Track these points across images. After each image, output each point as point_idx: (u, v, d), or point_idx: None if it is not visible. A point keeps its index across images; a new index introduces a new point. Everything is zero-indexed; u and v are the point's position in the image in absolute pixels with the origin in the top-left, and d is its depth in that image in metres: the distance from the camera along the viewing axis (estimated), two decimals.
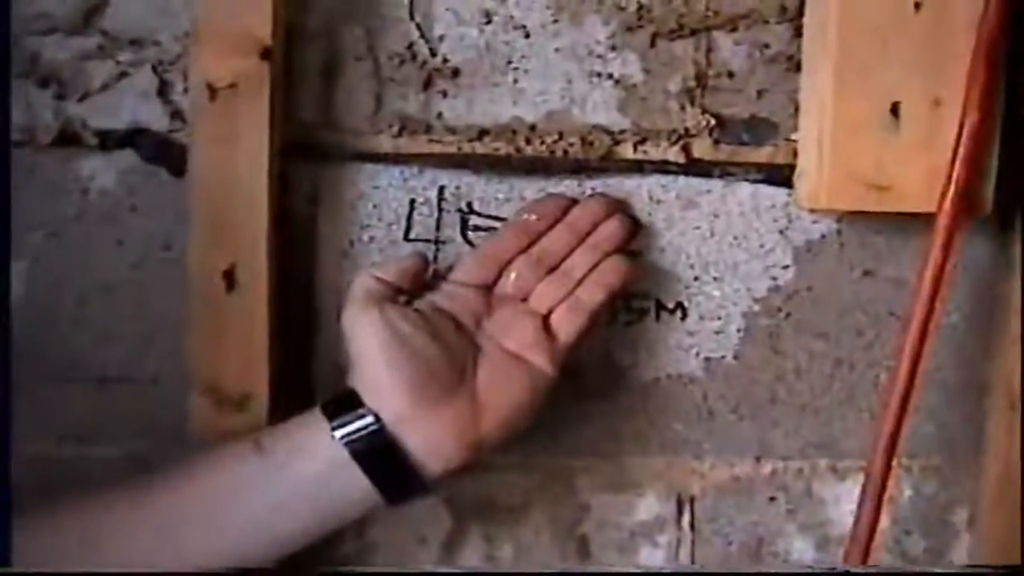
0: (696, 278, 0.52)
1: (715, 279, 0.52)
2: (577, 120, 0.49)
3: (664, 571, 0.46)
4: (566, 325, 0.45)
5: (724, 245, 0.51)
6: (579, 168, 0.49)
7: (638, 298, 0.52)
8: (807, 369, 0.52)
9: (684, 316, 0.52)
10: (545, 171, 0.49)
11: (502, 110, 0.49)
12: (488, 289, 0.46)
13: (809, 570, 0.46)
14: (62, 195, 0.47)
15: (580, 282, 0.45)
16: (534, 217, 0.46)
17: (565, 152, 0.49)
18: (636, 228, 0.49)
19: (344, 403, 0.42)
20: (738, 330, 0.52)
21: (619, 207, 0.48)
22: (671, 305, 0.52)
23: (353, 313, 0.42)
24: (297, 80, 0.48)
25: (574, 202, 0.47)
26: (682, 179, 0.51)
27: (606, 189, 0.50)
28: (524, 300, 0.45)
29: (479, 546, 0.51)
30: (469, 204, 0.50)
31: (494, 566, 0.49)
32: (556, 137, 0.49)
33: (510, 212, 0.49)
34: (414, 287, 0.45)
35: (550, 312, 0.45)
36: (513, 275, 0.45)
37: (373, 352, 0.42)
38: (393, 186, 0.50)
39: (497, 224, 0.50)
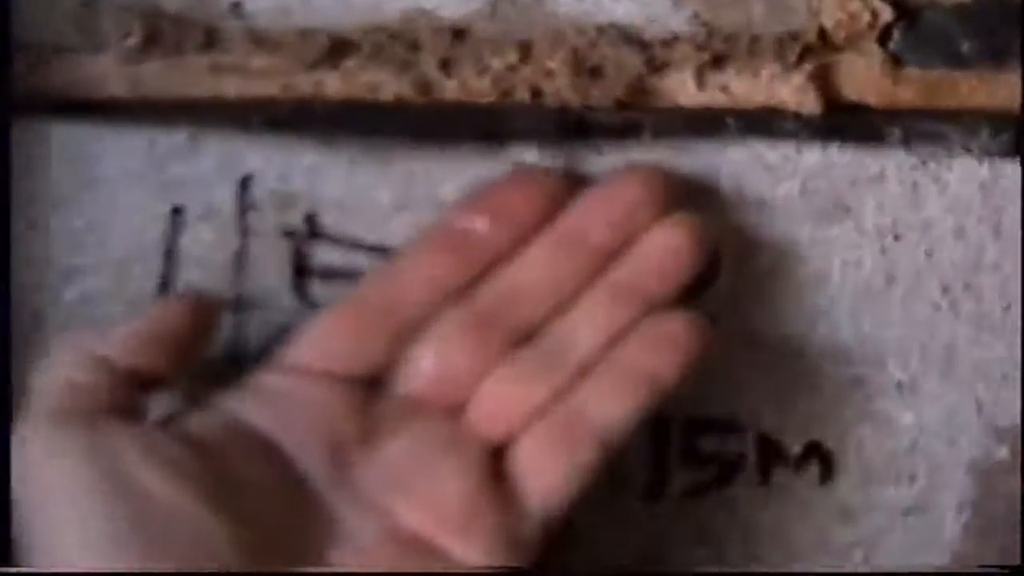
0: (859, 382, 0.44)
1: (901, 388, 0.44)
2: (563, 15, 0.43)
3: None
4: (547, 474, 0.39)
5: (918, 302, 0.44)
6: (571, 129, 0.43)
7: (718, 430, 0.44)
8: None
9: (829, 474, 0.44)
10: (492, 137, 0.43)
11: None
12: (367, 384, 0.40)
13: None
14: None
15: (585, 372, 0.40)
16: (481, 221, 0.40)
17: (536, 93, 0.42)
18: (712, 251, 0.42)
19: None
20: (960, 507, 0.45)
21: (675, 196, 0.41)
22: (797, 448, 0.44)
23: (34, 438, 0.37)
24: None
25: (575, 183, 0.41)
26: (816, 150, 0.43)
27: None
28: (455, 409, 0.40)
29: None
30: (311, 218, 0.43)
31: None
32: (516, 57, 0.42)
33: (409, 233, 0.43)
34: (179, 374, 0.40)
35: (509, 439, 0.39)
36: (431, 354, 0.40)
37: (77, 529, 0.36)
38: (132, 175, 0.43)
39: (378, 260, 0.43)
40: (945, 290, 0.44)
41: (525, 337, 0.40)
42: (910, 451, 0.44)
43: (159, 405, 0.40)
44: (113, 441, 0.37)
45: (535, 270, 0.40)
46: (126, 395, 0.38)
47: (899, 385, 0.44)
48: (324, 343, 0.40)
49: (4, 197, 0.41)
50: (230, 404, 0.39)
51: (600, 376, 0.40)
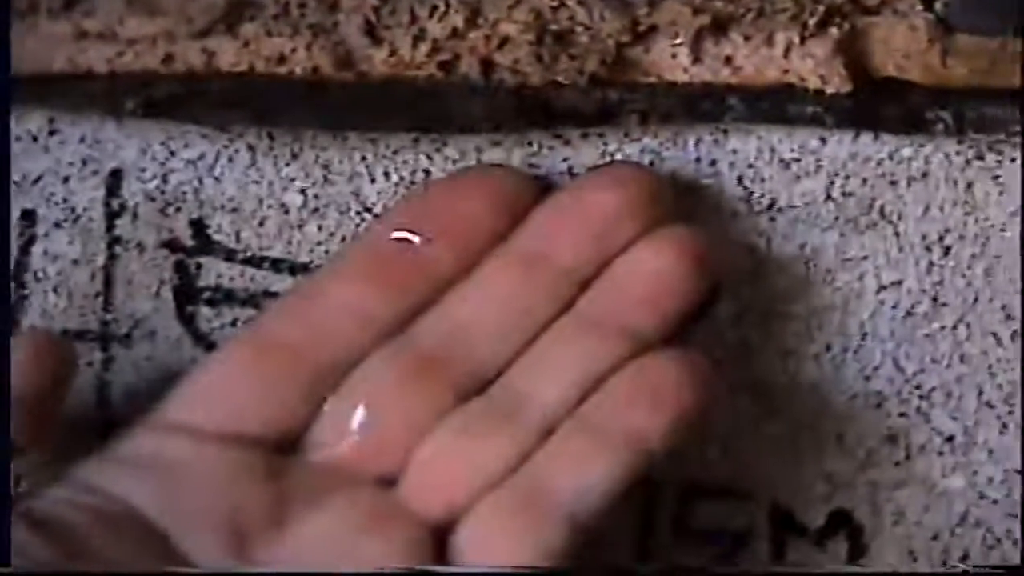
0: (897, 437, 0.42)
1: (952, 444, 0.43)
2: None
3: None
4: (503, 558, 0.38)
5: (973, 333, 0.42)
6: (532, 113, 0.43)
7: (718, 498, 0.43)
8: None
9: (859, 550, 0.42)
10: (431, 122, 0.42)
11: None
12: (273, 448, 0.39)
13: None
14: None
15: (551, 429, 0.38)
16: (419, 236, 0.40)
17: (487, 66, 0.42)
18: (711, 271, 0.41)
19: None
20: None
21: (665, 202, 0.40)
22: (819, 519, 0.42)
23: None
24: None
25: (538, 186, 0.41)
26: (845, 140, 0.42)
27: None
28: (386, 478, 0.39)
29: None
30: (198, 225, 0.42)
31: None
32: (461, 19, 0.41)
33: (326, 245, 0.42)
34: (29, 443, 0.39)
35: (455, 515, 0.38)
36: (356, 408, 0.39)
37: None
38: None
39: (286, 280, 0.42)
40: (1008, 318, 0.41)
41: (475, 385, 0.39)
42: (960, 524, 0.42)
43: None
44: None
45: (488, 300, 0.39)
46: None
47: (948, 441, 0.42)
48: (219, 395, 0.39)
49: (4, 197, 0.40)
50: (94, 476, 0.37)
51: (570, 434, 0.38)
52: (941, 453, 0.42)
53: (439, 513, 0.38)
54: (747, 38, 0.41)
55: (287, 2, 0.40)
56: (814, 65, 0.41)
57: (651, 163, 0.42)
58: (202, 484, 0.38)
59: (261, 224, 0.41)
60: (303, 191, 0.41)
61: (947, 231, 0.41)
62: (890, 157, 0.41)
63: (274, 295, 0.41)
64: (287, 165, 0.41)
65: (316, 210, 0.41)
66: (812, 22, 0.40)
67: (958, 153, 0.41)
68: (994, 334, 0.42)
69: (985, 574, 0.45)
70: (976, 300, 0.42)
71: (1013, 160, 0.42)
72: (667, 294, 0.39)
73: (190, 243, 0.41)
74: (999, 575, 0.44)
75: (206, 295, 0.42)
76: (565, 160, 0.41)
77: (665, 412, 0.37)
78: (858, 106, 0.41)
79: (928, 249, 0.41)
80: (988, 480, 0.43)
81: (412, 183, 0.41)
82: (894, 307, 0.42)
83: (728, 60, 0.41)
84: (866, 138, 0.41)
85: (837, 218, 0.41)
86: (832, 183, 0.41)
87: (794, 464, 0.42)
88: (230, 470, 0.38)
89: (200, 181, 0.41)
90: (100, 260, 0.41)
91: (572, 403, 0.38)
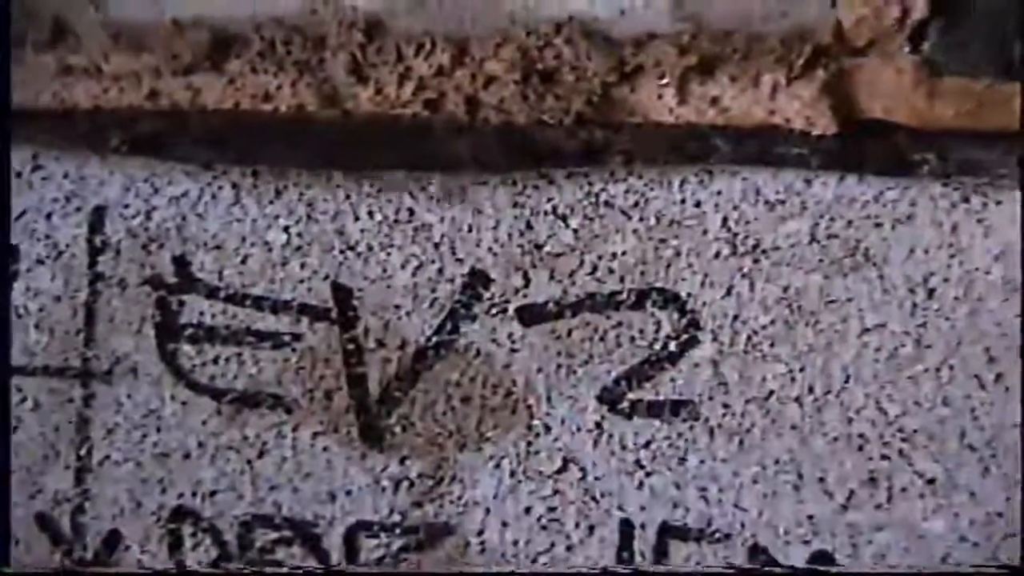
0: (879, 479, 0.42)
1: (933, 487, 0.42)
2: (508, 6, 0.42)
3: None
4: None
5: (957, 376, 0.41)
6: (517, 152, 0.42)
7: (695, 538, 0.43)
8: None
9: None
10: (415, 160, 0.42)
11: None
12: None
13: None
14: None
15: None
16: None
17: (472, 104, 0.42)
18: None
19: None
20: None
21: None
22: (798, 560, 0.42)
23: None
24: None
25: None
26: (830, 182, 0.42)
27: (603, 217, 0.42)
28: None
29: None
30: (181, 263, 0.42)
31: None
32: (447, 58, 0.41)
33: (308, 283, 0.42)
34: None
35: None
36: None
37: None
38: None
39: (267, 317, 0.42)
40: (991, 361, 0.40)
41: None
42: (942, 567, 0.41)
43: None
44: None
45: None
46: None
47: (930, 483, 0.41)
48: None
49: (4, 199, 0.42)
50: None
51: None
52: (922, 496, 0.41)
53: None
54: (733, 79, 0.40)
55: (273, 39, 0.40)
56: (800, 106, 0.40)
57: (636, 204, 0.42)
58: None
59: (244, 262, 0.41)
60: (287, 229, 0.41)
61: (931, 274, 0.41)
62: (875, 199, 0.41)
63: (256, 333, 0.41)
64: (271, 203, 0.41)
65: (299, 248, 0.41)
66: (799, 64, 0.40)
67: (943, 195, 0.41)
68: (977, 377, 0.41)
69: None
70: (959, 343, 0.41)
71: (999, 203, 0.41)
72: None
73: (172, 280, 0.41)
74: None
75: (188, 332, 0.41)
76: (550, 200, 0.41)
77: None
78: (844, 148, 0.41)
79: (912, 291, 0.41)
80: (970, 523, 0.42)
81: (396, 221, 0.41)
82: (877, 349, 0.41)
83: (714, 101, 0.40)
84: (851, 180, 0.41)
85: (821, 260, 0.41)
86: (817, 225, 0.41)
87: (774, 506, 0.42)
88: None
89: (183, 218, 0.41)
90: (82, 296, 0.41)
91: None
